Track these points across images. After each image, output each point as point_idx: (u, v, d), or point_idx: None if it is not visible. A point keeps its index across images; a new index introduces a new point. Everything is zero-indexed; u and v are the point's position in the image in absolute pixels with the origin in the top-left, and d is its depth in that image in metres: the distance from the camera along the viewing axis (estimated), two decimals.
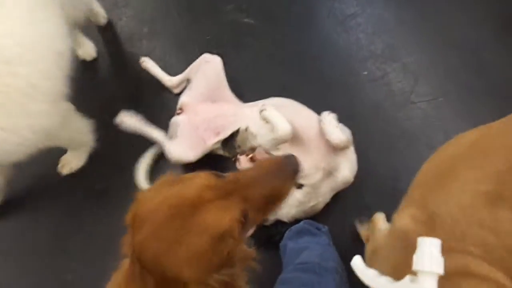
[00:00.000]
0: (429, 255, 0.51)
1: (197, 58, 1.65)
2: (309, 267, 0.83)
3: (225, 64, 1.60)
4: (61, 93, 1.18)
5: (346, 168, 1.22)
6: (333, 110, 1.44)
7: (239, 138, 1.27)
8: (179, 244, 0.54)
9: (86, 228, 1.45)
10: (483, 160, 0.69)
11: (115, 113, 1.44)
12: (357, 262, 0.54)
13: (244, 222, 0.58)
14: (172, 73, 1.60)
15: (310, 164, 1.18)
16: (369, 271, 0.53)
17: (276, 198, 0.64)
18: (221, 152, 1.36)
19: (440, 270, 0.48)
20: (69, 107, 1.28)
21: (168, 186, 0.60)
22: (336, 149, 1.19)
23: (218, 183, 0.59)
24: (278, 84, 1.52)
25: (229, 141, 1.31)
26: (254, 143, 1.23)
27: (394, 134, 1.41)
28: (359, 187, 1.35)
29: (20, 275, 1.41)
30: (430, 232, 0.65)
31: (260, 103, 1.31)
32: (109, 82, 1.69)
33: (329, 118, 1.21)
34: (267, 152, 1.16)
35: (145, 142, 1.44)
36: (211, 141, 1.33)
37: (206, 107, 1.38)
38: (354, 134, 1.41)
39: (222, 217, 0.55)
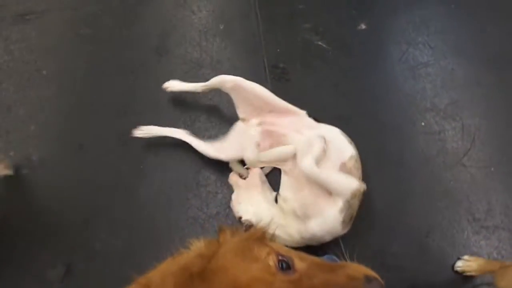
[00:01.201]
0: None
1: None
2: None
3: (288, 80, 1.68)
4: None
5: (317, 222, 1.22)
6: (382, 152, 1.51)
7: None
8: None
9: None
10: None
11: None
12: None
13: None
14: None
15: (293, 194, 1.29)
16: None
17: None
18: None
19: None
20: None
21: (242, 249, 0.64)
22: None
23: (276, 281, 0.57)
24: (334, 113, 1.57)
25: None
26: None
27: (437, 191, 1.44)
28: (390, 233, 1.40)
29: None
30: None
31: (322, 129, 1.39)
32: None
33: (317, 142, 1.28)
34: None
35: None
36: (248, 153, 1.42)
37: (272, 118, 1.44)
38: (398, 181, 1.47)
39: None
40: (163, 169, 1.57)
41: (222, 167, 1.56)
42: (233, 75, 1.73)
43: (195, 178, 1.55)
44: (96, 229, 1.52)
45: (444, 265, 1.33)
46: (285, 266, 0.63)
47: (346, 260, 0.77)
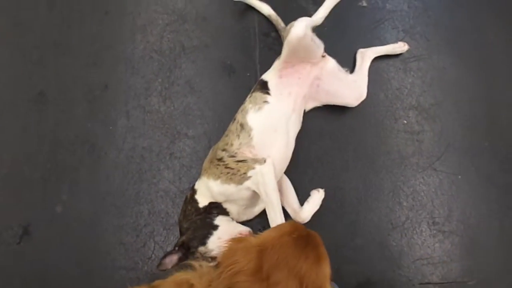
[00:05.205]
0: None
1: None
2: None
3: (278, 53, 1.60)
4: None
5: None
6: (360, 146, 1.55)
7: None
8: None
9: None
10: None
11: None
12: None
13: None
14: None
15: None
16: None
17: None
18: None
19: None
20: None
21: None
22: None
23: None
24: None
25: None
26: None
27: (405, 192, 1.53)
28: (355, 228, 1.49)
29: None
30: None
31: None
32: None
33: (318, 197, 1.47)
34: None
35: None
36: None
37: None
38: (370, 177, 1.53)
39: None
40: (135, 135, 1.52)
41: (198, 140, 1.54)
42: (218, 36, 1.64)
43: (169, 148, 1.52)
44: (56, 191, 1.48)
45: (399, 263, 1.47)
46: None
47: None
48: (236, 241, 0.88)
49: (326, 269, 0.85)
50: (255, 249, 0.82)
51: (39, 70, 1.56)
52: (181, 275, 0.90)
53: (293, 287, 0.78)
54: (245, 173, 1.25)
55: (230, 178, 1.27)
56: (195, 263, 0.98)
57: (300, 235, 0.87)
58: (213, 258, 1.24)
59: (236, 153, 1.32)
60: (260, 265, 0.80)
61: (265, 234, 0.89)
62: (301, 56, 1.41)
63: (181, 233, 1.33)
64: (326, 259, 0.87)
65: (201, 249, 1.26)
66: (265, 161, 1.27)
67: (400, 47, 1.64)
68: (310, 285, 0.79)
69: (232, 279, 0.77)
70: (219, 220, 1.31)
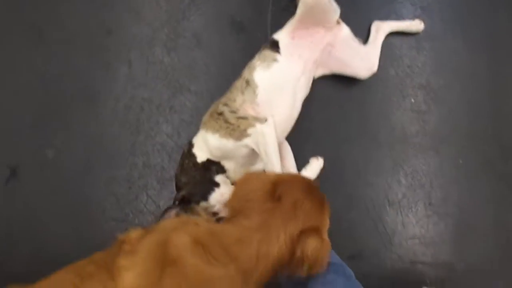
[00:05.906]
0: None
1: None
2: None
3: (292, 14, 1.55)
4: None
5: None
6: (365, 120, 1.52)
7: None
8: None
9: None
10: None
11: None
12: None
13: None
14: None
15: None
16: None
17: None
18: None
19: None
20: None
21: None
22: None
23: None
24: None
25: None
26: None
27: (404, 170, 1.53)
28: (351, 200, 1.49)
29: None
30: None
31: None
32: None
33: (317, 165, 1.46)
34: None
35: None
36: None
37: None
38: (371, 151, 1.51)
39: None
40: (135, 84, 1.47)
41: (201, 96, 1.49)
42: None
43: (170, 101, 1.47)
44: (49, 134, 1.42)
45: (392, 240, 1.47)
46: None
47: None
48: (253, 172, 1.02)
49: (327, 217, 0.93)
50: (269, 180, 0.92)
51: (37, 3, 1.48)
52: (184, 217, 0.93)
53: (299, 216, 0.85)
54: (245, 130, 1.22)
55: (229, 133, 1.23)
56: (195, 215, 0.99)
57: (310, 182, 0.97)
58: (214, 214, 1.22)
59: (238, 109, 1.28)
60: (273, 190, 0.88)
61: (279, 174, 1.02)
62: (316, 18, 1.36)
63: (178, 187, 1.29)
64: (328, 209, 0.95)
65: (203, 204, 1.23)
66: (266, 120, 1.24)
67: (416, 25, 1.61)
68: (311, 222, 0.87)
69: (245, 198, 0.87)
70: (220, 178, 1.27)
